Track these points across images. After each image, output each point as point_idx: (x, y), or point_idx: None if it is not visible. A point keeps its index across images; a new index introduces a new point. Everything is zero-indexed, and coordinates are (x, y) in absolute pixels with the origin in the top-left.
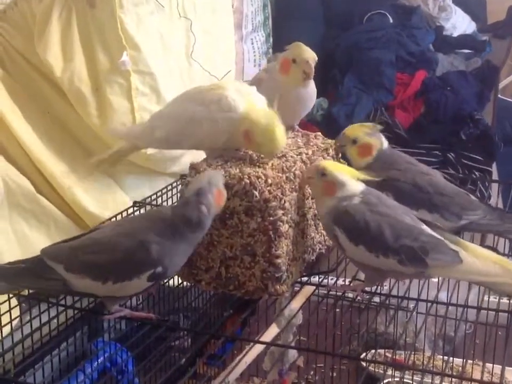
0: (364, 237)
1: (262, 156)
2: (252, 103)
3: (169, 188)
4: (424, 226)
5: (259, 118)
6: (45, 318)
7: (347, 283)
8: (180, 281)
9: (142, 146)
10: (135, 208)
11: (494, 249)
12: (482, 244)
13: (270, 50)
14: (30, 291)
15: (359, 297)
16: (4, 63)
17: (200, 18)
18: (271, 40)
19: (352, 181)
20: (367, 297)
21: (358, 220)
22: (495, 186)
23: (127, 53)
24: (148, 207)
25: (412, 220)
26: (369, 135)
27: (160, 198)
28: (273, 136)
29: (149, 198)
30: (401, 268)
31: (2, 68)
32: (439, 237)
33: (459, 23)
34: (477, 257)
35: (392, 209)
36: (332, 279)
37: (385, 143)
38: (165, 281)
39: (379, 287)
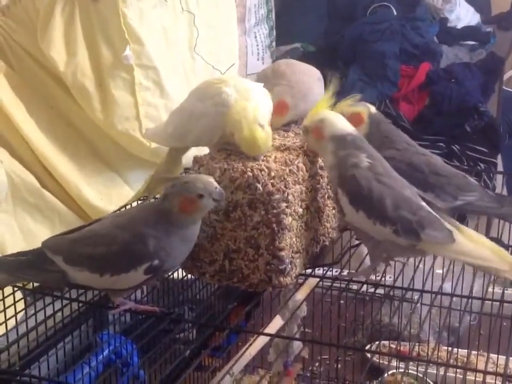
0: (365, 203)
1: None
2: (244, 100)
3: None
4: (424, 203)
5: (242, 120)
6: (49, 311)
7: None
8: (184, 274)
9: (164, 144)
10: (139, 202)
11: (498, 240)
12: (487, 234)
13: (273, 44)
14: (35, 284)
15: (363, 288)
16: (8, 59)
17: (203, 12)
18: (274, 33)
19: (329, 114)
20: (372, 289)
21: (363, 186)
22: (499, 178)
23: (130, 47)
24: (152, 201)
25: (413, 195)
26: (354, 105)
27: None
28: (254, 143)
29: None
30: (395, 238)
31: (6, 63)
32: (436, 215)
33: (463, 15)
34: (470, 240)
35: (396, 182)
36: (336, 271)
37: (372, 108)
38: (169, 274)
39: (383, 278)
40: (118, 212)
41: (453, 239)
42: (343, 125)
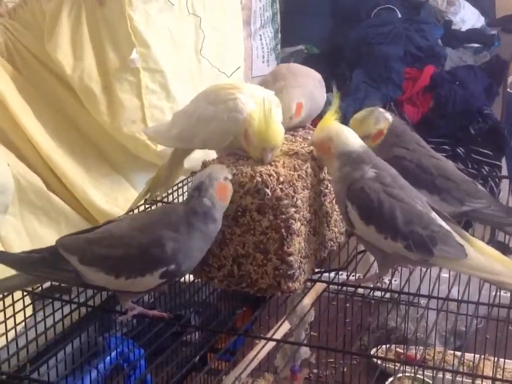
0: (376, 218)
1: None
2: (260, 106)
3: (179, 184)
4: (434, 215)
5: (255, 116)
6: (57, 315)
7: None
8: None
9: (166, 144)
10: (146, 206)
11: (506, 245)
12: (492, 238)
13: (279, 46)
14: (44, 287)
15: (371, 293)
16: (14, 62)
17: (209, 15)
18: (279, 36)
19: (337, 131)
20: (379, 293)
21: (373, 199)
22: (505, 183)
23: (136, 51)
24: (159, 205)
25: (423, 206)
26: (376, 123)
27: (171, 195)
28: (268, 131)
29: (160, 195)
30: (407, 253)
31: (13, 67)
32: (448, 228)
33: (468, 17)
34: (481, 254)
35: (405, 192)
36: (341, 274)
37: (390, 117)
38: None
39: (390, 282)
40: (136, 214)
41: (465, 254)
42: (350, 142)
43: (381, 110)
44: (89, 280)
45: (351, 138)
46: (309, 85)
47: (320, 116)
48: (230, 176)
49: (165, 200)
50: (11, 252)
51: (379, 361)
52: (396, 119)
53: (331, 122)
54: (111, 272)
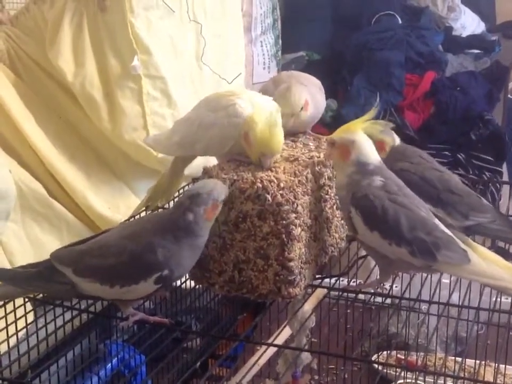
0: (380, 224)
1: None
2: (258, 110)
3: (181, 191)
4: (437, 221)
5: (258, 120)
6: (58, 321)
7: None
8: (192, 284)
9: (167, 152)
10: (148, 212)
11: (506, 251)
12: (493, 245)
13: (279, 53)
14: (45, 294)
15: (371, 299)
16: (16, 69)
17: (210, 22)
18: (280, 42)
19: (362, 138)
20: (380, 299)
21: (377, 205)
22: (506, 188)
23: (138, 57)
24: (160, 211)
25: (426, 213)
26: (383, 133)
27: (172, 201)
28: (271, 137)
29: (161, 203)
30: (411, 258)
31: (15, 73)
32: (451, 234)
33: (468, 23)
34: (484, 259)
35: (410, 200)
36: (342, 280)
37: (397, 140)
38: (177, 283)
39: (391, 288)
40: (127, 222)
41: (468, 260)
42: (370, 153)
43: (393, 132)
44: (85, 291)
45: (372, 151)
46: (311, 89)
47: (320, 122)
48: (225, 198)
49: (166, 207)
50: (6, 268)
51: (380, 367)
52: (401, 146)
53: (359, 127)
54: (105, 282)
